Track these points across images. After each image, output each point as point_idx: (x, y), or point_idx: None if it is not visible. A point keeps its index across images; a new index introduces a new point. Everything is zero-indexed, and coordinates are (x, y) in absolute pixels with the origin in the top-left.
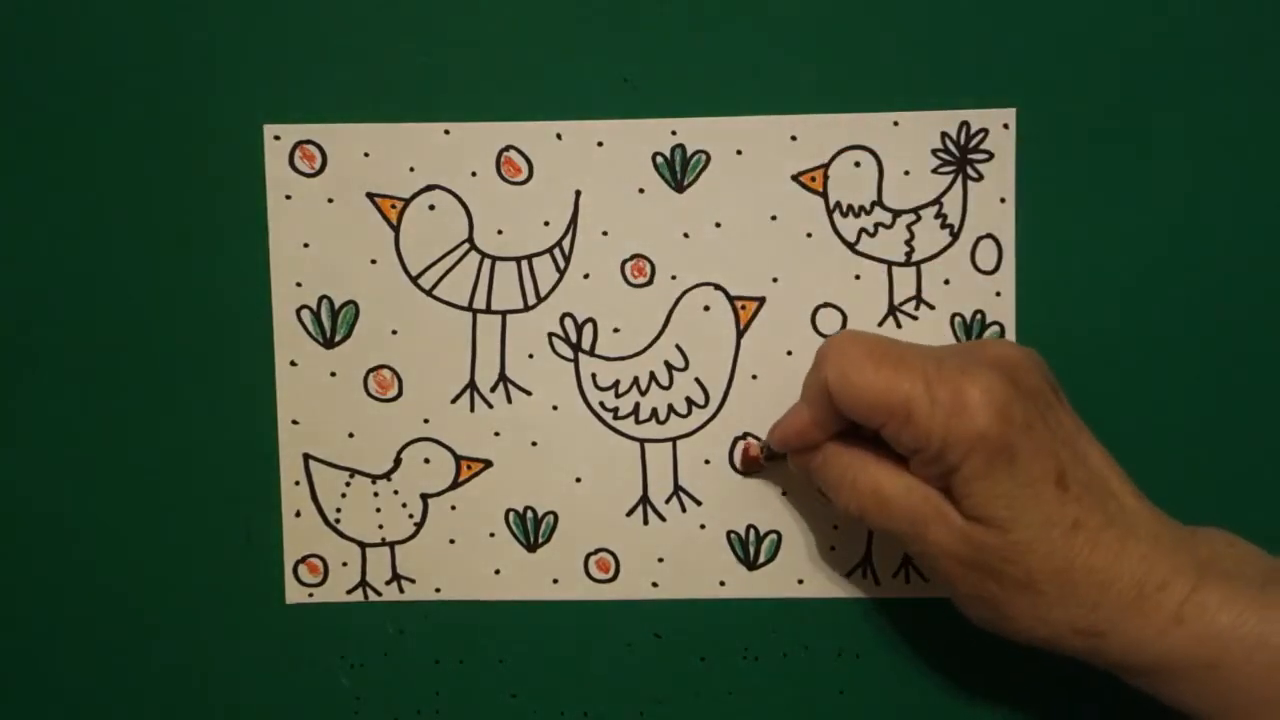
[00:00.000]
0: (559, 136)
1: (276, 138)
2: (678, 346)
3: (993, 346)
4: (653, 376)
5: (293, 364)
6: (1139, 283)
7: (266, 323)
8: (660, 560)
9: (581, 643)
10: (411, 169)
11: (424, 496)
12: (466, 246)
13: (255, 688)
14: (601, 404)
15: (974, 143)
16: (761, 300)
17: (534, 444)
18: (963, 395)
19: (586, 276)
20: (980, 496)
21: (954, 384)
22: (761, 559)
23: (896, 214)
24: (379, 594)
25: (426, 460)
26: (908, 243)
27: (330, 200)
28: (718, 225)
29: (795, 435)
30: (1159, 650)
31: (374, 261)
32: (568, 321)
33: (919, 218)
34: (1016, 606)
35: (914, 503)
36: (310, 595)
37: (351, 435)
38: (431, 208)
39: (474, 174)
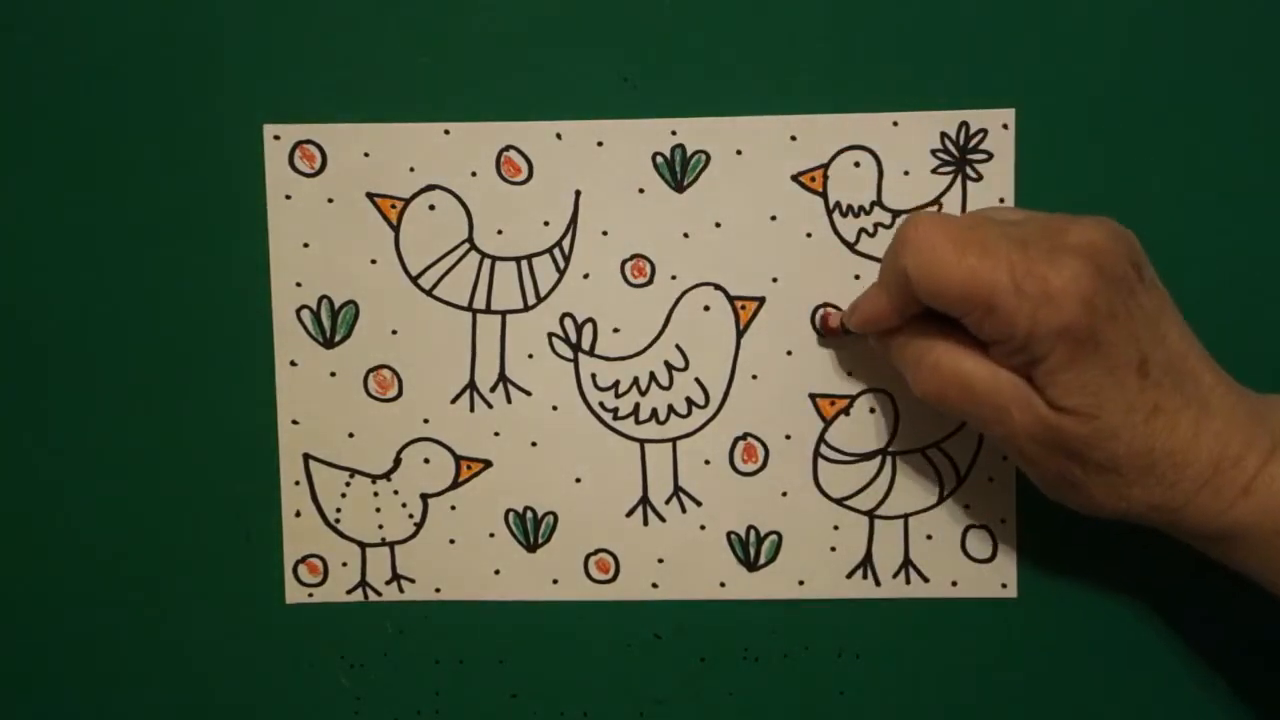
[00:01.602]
0: (559, 136)
1: (276, 138)
2: (678, 346)
3: (1076, 228)
4: (653, 377)
5: (293, 364)
6: None
7: (266, 323)
8: (660, 561)
9: (581, 643)
10: (411, 169)
11: (424, 496)
12: (466, 246)
13: (255, 688)
14: (601, 404)
15: (973, 143)
16: (761, 300)
17: (534, 444)
18: (1048, 286)
19: (586, 276)
20: (1064, 387)
21: (1039, 274)
22: (762, 560)
23: (896, 214)
24: (379, 594)
25: (426, 460)
26: None
27: (330, 200)
28: (718, 225)
29: (873, 321)
30: (1228, 521)
31: (374, 261)
32: (567, 321)
33: None
34: (1097, 486)
35: (998, 388)
36: (310, 595)
37: (351, 435)
38: (431, 208)
39: (474, 174)
